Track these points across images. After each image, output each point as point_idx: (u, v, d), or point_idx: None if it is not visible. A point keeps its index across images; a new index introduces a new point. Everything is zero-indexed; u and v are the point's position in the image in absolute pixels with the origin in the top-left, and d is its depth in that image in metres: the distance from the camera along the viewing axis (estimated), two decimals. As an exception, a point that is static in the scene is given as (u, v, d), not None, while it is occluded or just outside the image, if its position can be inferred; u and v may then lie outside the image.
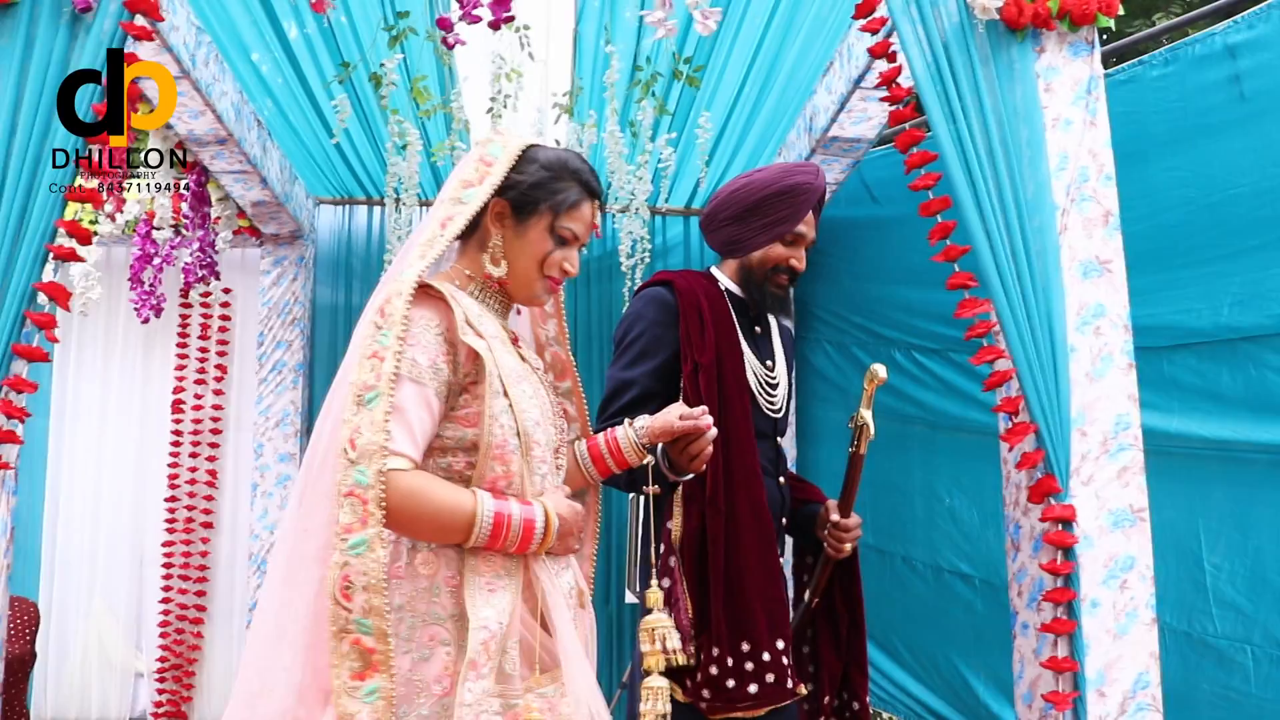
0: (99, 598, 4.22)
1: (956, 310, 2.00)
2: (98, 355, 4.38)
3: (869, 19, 2.10)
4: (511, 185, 1.66)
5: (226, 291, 4.43)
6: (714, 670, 2.05)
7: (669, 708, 1.74)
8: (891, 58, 2.10)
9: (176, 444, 4.29)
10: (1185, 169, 2.74)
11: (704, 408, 1.86)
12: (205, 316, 4.39)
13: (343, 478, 1.39)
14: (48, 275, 2.00)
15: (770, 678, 2.07)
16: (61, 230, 1.98)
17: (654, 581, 1.84)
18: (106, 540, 4.28)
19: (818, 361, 4.45)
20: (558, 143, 3.28)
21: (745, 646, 2.08)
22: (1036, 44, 2.09)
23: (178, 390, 4.33)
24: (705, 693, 2.06)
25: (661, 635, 1.76)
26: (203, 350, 4.37)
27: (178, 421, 4.30)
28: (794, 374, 2.53)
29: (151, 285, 3.94)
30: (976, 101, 2.02)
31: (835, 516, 2.35)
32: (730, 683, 2.05)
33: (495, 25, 2.13)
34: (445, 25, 2.11)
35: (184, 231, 3.69)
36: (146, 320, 3.97)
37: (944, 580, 3.63)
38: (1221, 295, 2.63)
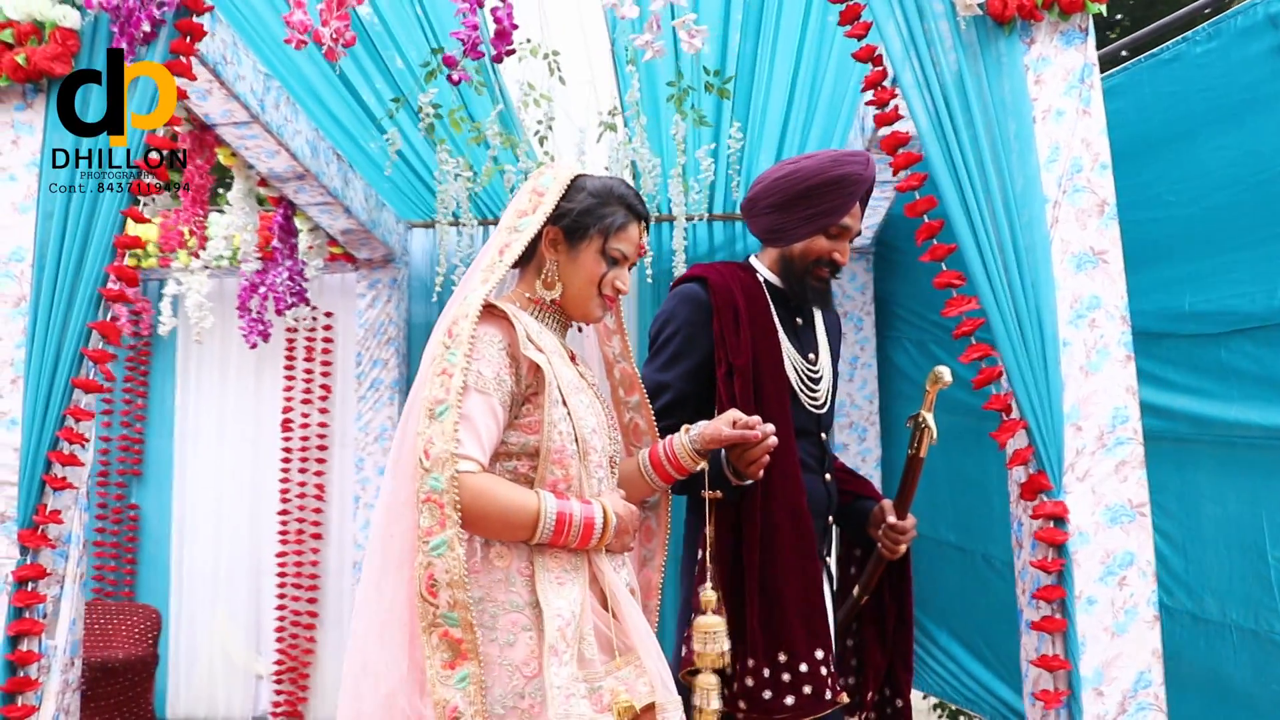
0: (222, 605, 4.56)
1: (944, 309, 1.99)
2: (214, 380, 4.75)
3: (855, 23, 2.12)
4: (563, 213, 1.79)
5: (328, 315, 4.74)
6: (749, 681, 2.01)
7: (720, 704, 1.80)
8: (877, 61, 2.11)
9: (286, 460, 4.60)
10: (1233, 147, 2.62)
11: (758, 417, 1.89)
12: (309, 340, 4.69)
13: (420, 485, 1.54)
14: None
15: (808, 689, 2.01)
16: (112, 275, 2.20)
17: (708, 583, 1.87)
18: (227, 552, 4.63)
19: (899, 359, 4.40)
20: (609, 159, 3.39)
21: (782, 657, 2.03)
22: (1026, 36, 2.07)
23: (286, 410, 4.64)
24: (741, 704, 2.01)
25: (714, 636, 1.80)
26: (308, 371, 4.68)
27: (287, 439, 4.61)
28: (839, 365, 2.43)
29: (258, 313, 4.23)
30: (962, 98, 2.02)
31: (892, 518, 2.28)
32: (767, 694, 2.00)
33: (498, 59, 2.25)
34: (450, 62, 2.24)
35: (281, 260, 3.96)
36: (255, 345, 4.26)
37: (1021, 579, 3.55)
38: (1274, 277, 2.52)
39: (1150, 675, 1.83)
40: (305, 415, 4.63)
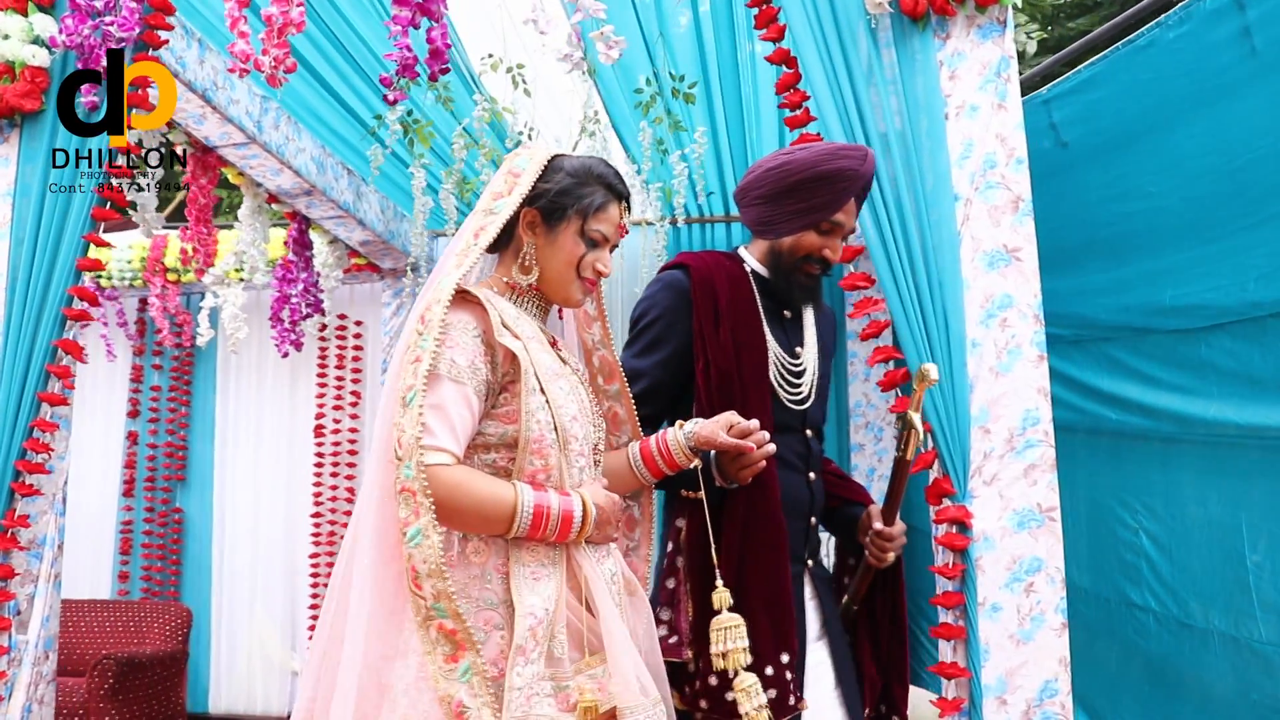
0: (259, 604, 4.75)
1: (852, 311, 1.98)
2: (252, 388, 4.96)
3: (770, 26, 2.11)
4: (540, 194, 1.74)
5: (358, 324, 4.89)
6: (712, 680, 1.96)
7: (765, 698, 1.75)
8: (792, 63, 2.10)
9: (319, 465, 4.76)
10: (1207, 135, 2.53)
11: (756, 422, 1.85)
12: (340, 348, 4.86)
13: (397, 476, 1.51)
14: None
15: (771, 693, 1.93)
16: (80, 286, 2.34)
17: (719, 583, 1.82)
18: (264, 553, 4.82)
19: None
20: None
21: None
22: (942, 31, 2.03)
23: (319, 416, 4.81)
24: (702, 703, 1.97)
25: (734, 634, 1.76)
26: (339, 379, 4.85)
27: (319, 445, 4.78)
28: (831, 362, 2.34)
29: (290, 323, 4.39)
30: (875, 98, 2.00)
31: (878, 524, 2.14)
32: (729, 695, 1.91)
33: (434, 78, 2.31)
34: (386, 83, 2.30)
35: (296, 272, 4.12)
36: (286, 354, 4.41)
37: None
38: (1247, 269, 2.41)
39: (1057, 685, 1.79)
40: (337, 421, 4.79)
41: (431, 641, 1.48)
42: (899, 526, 2.13)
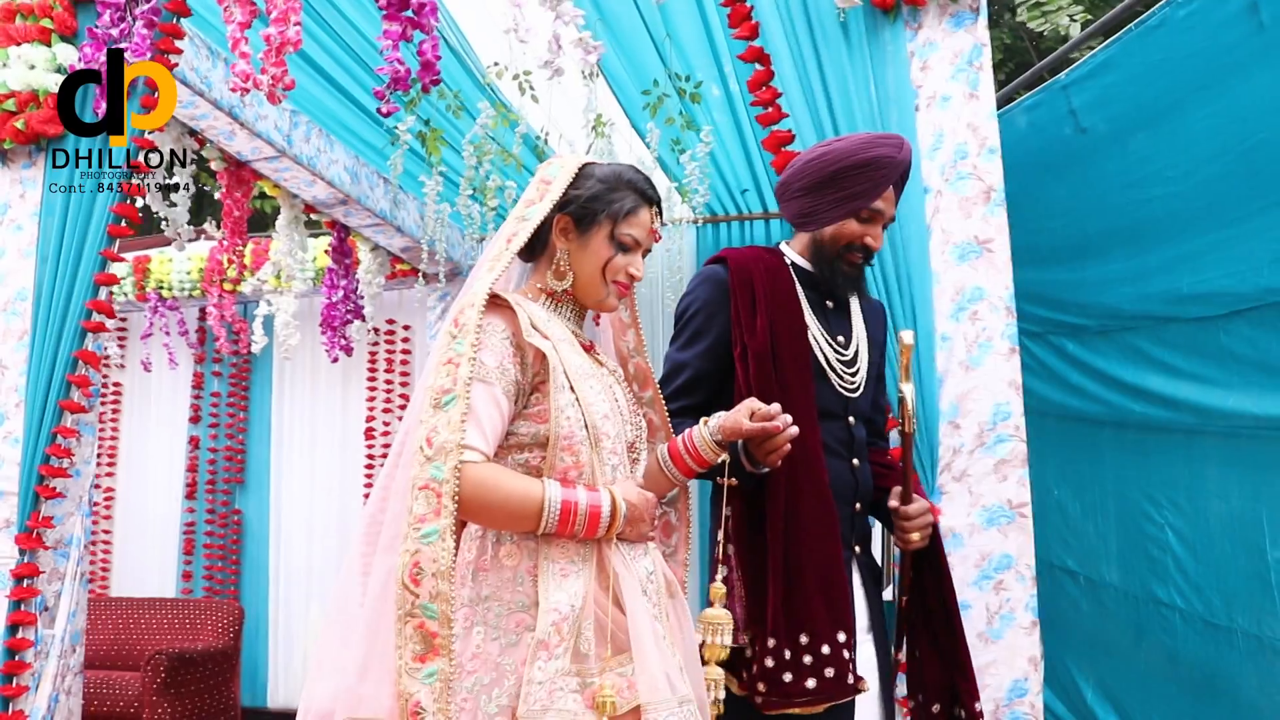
0: (315, 602, 4.89)
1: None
2: (306, 392, 5.11)
3: (742, 24, 2.11)
4: (571, 200, 1.77)
5: (406, 328, 5.01)
6: (770, 663, 1.94)
7: (723, 694, 1.78)
8: (765, 61, 2.10)
9: (370, 466, 4.89)
10: (1219, 115, 2.45)
11: (777, 405, 1.85)
12: (389, 352, 4.98)
13: (418, 473, 1.52)
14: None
15: (830, 672, 1.92)
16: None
17: (717, 577, 1.87)
18: (319, 552, 4.96)
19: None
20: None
21: (804, 639, 1.94)
22: (913, 21, 2.00)
23: (369, 419, 4.95)
24: (761, 686, 1.95)
25: (718, 629, 1.79)
26: (388, 382, 4.98)
27: (370, 446, 4.91)
28: (884, 352, 2.36)
29: (332, 329, 4.50)
30: (842, 93, 1.99)
31: (893, 503, 2.09)
32: (787, 676, 1.93)
33: (426, 89, 2.37)
34: (380, 95, 2.37)
35: (336, 280, 4.25)
36: (336, 360, 4.54)
37: (1053, 576, 3.37)
38: (1261, 254, 2.33)
39: (1027, 684, 1.76)
40: (387, 423, 4.92)
41: (405, 638, 1.49)
42: (917, 505, 2.06)
